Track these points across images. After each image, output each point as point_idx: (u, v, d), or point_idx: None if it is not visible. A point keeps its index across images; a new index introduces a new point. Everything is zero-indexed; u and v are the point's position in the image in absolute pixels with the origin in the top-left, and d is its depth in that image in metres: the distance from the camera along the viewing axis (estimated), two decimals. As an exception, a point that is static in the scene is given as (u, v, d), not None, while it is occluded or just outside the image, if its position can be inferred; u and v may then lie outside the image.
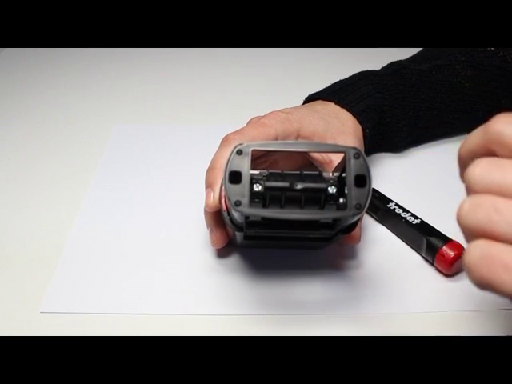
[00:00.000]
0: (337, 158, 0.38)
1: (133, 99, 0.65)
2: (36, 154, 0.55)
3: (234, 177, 0.29)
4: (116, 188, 0.49)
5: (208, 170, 0.38)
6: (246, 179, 0.29)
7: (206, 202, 0.36)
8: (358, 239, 0.38)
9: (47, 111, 0.63)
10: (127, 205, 0.47)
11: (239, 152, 0.29)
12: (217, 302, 0.38)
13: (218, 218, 0.38)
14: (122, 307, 0.37)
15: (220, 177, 0.36)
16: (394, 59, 0.53)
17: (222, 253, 0.41)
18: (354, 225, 0.34)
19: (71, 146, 0.56)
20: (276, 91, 0.66)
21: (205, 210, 0.38)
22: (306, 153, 0.42)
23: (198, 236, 0.43)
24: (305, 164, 0.43)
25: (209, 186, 0.37)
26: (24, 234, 0.44)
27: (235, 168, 0.29)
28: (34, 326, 0.36)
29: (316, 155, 0.41)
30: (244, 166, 0.29)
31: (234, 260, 0.41)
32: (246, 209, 0.28)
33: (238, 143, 0.30)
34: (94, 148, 0.55)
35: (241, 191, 0.28)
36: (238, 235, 0.36)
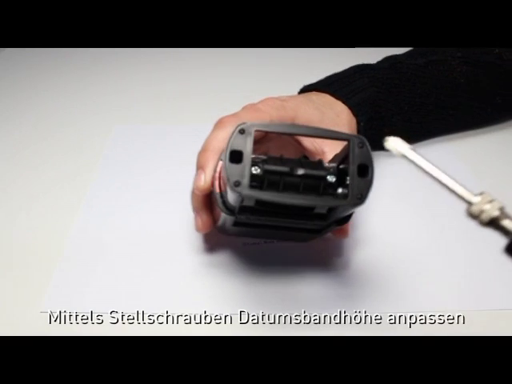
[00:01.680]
0: (330, 150, 0.38)
1: (133, 99, 0.65)
2: (36, 154, 0.55)
3: (235, 156, 0.28)
4: (116, 188, 0.49)
5: (200, 152, 0.37)
6: (247, 159, 0.28)
7: (195, 184, 0.36)
8: (348, 233, 0.38)
9: (47, 111, 0.63)
10: (127, 205, 0.47)
11: (242, 131, 0.28)
12: (217, 303, 0.38)
13: (206, 201, 0.38)
14: (122, 307, 0.37)
15: (212, 159, 0.35)
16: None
17: (223, 253, 0.41)
18: (349, 216, 0.33)
19: (71, 146, 0.56)
20: (277, 91, 0.66)
21: (193, 193, 0.38)
22: (308, 137, 0.41)
23: (199, 235, 0.43)
24: (297, 153, 0.43)
25: (200, 167, 0.36)
26: (24, 234, 0.44)
27: (236, 147, 0.28)
28: (34, 325, 0.36)
29: (309, 145, 0.40)
30: (246, 145, 0.28)
31: (234, 260, 0.41)
32: (245, 190, 0.27)
33: (232, 126, 0.29)
34: (94, 148, 0.55)
35: (241, 172, 0.27)
36: (227, 221, 0.35)
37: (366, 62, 0.53)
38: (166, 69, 0.73)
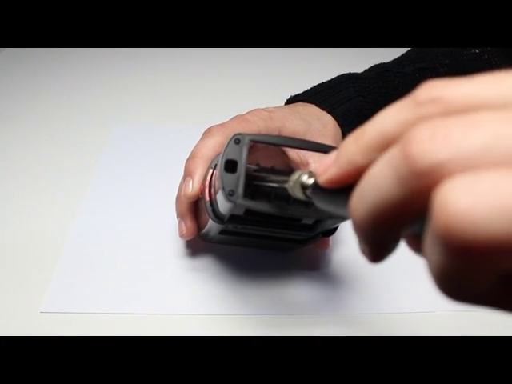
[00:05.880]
0: (314, 161, 0.39)
1: (133, 99, 0.66)
2: (36, 154, 0.55)
3: (230, 166, 0.28)
4: (116, 188, 0.49)
5: (188, 159, 0.37)
6: (241, 169, 0.28)
7: (184, 191, 0.36)
8: (329, 245, 0.39)
9: (47, 111, 0.63)
10: (127, 205, 0.47)
11: (237, 141, 0.28)
12: (216, 303, 0.38)
13: (191, 207, 0.38)
14: (121, 307, 0.37)
15: (201, 166, 0.36)
16: (389, 59, 0.53)
17: (220, 252, 0.42)
18: (335, 228, 0.34)
19: (71, 145, 0.56)
20: (276, 91, 0.66)
21: (179, 199, 0.38)
22: (302, 149, 0.41)
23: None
24: (282, 164, 0.43)
25: (188, 174, 0.36)
26: (24, 234, 0.44)
27: (231, 157, 0.28)
28: (34, 325, 0.36)
29: (294, 156, 0.40)
30: (241, 155, 0.28)
31: (232, 261, 0.41)
32: (240, 199, 0.27)
33: (220, 135, 0.29)
34: (94, 148, 0.55)
35: (235, 181, 0.28)
36: (213, 229, 0.35)
37: (366, 62, 0.53)
38: (166, 69, 0.74)
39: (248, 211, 0.29)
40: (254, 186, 0.29)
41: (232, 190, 0.28)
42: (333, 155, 0.19)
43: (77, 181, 0.50)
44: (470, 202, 0.13)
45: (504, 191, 0.12)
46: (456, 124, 0.14)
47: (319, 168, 0.19)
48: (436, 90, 0.16)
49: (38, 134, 0.58)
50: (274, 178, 0.28)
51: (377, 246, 0.17)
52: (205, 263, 0.41)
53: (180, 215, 0.39)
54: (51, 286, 0.39)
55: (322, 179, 0.19)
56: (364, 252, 0.18)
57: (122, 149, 0.55)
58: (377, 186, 0.16)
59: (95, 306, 0.37)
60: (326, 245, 0.39)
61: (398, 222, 0.16)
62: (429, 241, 0.14)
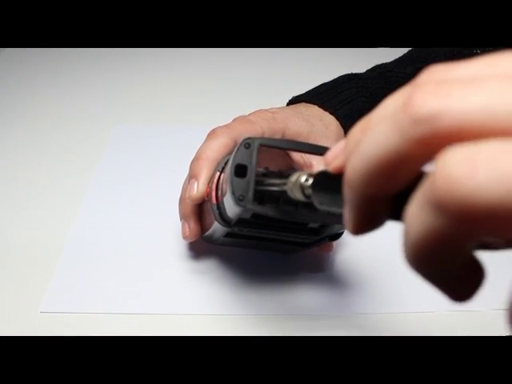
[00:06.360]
0: (317, 163, 0.39)
1: (133, 99, 0.66)
2: (36, 154, 0.55)
3: (240, 170, 0.28)
4: (116, 188, 0.49)
5: (193, 161, 0.37)
6: (251, 174, 0.28)
7: (188, 193, 0.36)
8: (332, 248, 0.39)
9: (47, 111, 0.63)
10: (127, 205, 0.47)
11: (247, 145, 0.28)
12: (219, 304, 0.38)
13: (195, 209, 0.38)
14: (121, 307, 0.37)
15: (206, 168, 0.35)
16: (390, 59, 0.53)
17: (222, 254, 0.41)
18: (342, 232, 0.34)
19: (71, 146, 0.56)
20: (276, 91, 0.66)
21: (183, 200, 0.38)
22: (310, 154, 0.41)
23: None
24: (285, 166, 0.43)
25: (193, 176, 0.36)
26: (24, 234, 0.44)
27: (241, 161, 0.28)
28: (34, 325, 0.36)
29: (298, 157, 0.40)
30: (251, 160, 0.28)
31: (235, 263, 0.41)
32: (250, 204, 0.27)
33: (225, 137, 0.29)
34: (94, 148, 0.55)
35: (245, 186, 0.28)
36: (218, 232, 0.35)
37: (367, 62, 0.53)
38: (166, 69, 0.74)
39: (255, 215, 0.29)
40: (262, 191, 0.29)
41: (242, 195, 0.27)
42: (341, 144, 0.19)
43: (77, 181, 0.50)
44: (470, 169, 0.13)
45: (504, 160, 0.13)
46: (459, 84, 0.15)
47: (328, 156, 0.20)
48: (438, 74, 0.16)
49: (38, 134, 0.58)
50: (278, 181, 0.28)
51: (363, 212, 0.18)
52: (208, 265, 0.41)
53: (183, 217, 0.39)
54: (51, 285, 0.39)
55: (332, 166, 0.20)
56: (347, 221, 0.19)
57: (122, 149, 0.55)
58: (376, 137, 0.16)
59: (95, 306, 0.37)
60: (329, 248, 0.39)
61: (391, 179, 0.16)
62: (419, 203, 0.15)
